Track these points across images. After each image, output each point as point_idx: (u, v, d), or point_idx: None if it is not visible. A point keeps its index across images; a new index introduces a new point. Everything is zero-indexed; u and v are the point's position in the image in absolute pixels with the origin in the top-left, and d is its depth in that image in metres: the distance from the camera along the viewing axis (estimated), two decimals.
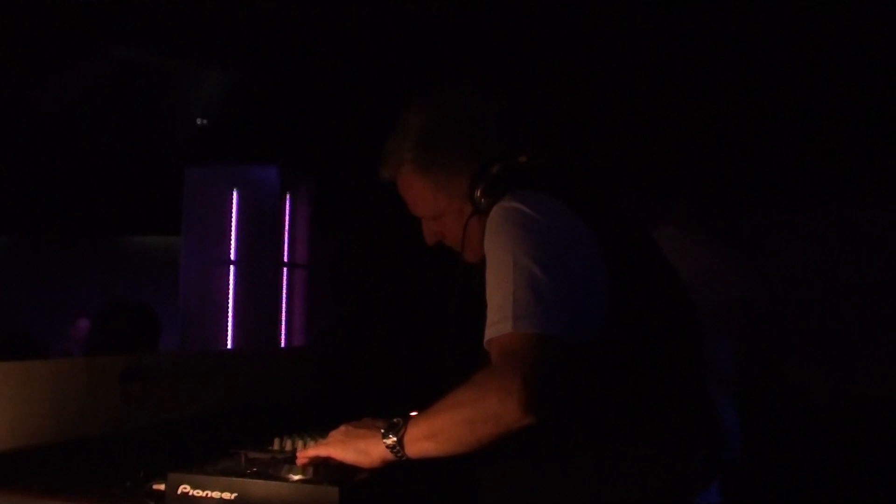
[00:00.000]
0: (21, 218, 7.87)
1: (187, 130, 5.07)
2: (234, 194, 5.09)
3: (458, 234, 1.68)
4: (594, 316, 1.48)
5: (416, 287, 3.51)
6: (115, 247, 8.59)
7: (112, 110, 4.81)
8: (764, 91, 4.48)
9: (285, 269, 5.22)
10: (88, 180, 6.38)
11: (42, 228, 8.39)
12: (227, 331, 5.02)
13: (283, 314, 5.24)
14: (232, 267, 5.05)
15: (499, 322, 1.44)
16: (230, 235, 5.06)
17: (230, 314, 5.04)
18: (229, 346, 4.94)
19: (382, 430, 1.52)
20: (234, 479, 1.51)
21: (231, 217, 5.07)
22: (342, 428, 1.64)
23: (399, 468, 1.54)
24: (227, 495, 1.49)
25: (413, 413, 1.57)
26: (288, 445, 1.84)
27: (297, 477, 1.52)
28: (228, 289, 5.04)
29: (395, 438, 1.50)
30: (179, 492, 1.52)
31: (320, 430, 1.85)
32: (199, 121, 4.95)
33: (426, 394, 1.53)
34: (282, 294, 5.22)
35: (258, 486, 1.49)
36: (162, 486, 1.56)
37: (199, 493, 1.51)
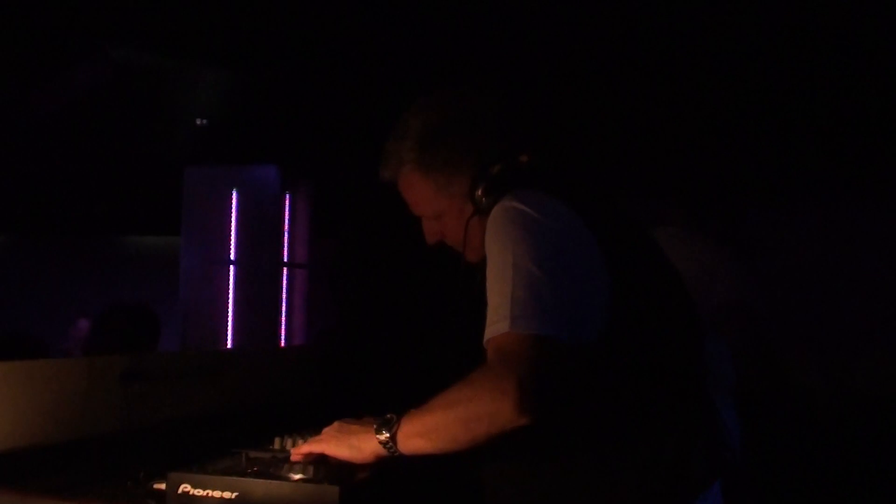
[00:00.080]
0: (21, 218, 7.88)
1: (187, 131, 5.07)
2: (234, 194, 5.09)
3: (459, 233, 1.68)
4: (594, 316, 1.47)
5: (417, 287, 3.51)
6: (114, 247, 8.60)
7: (112, 111, 4.81)
8: (764, 91, 4.48)
9: (285, 269, 5.22)
10: (88, 181, 6.39)
11: (42, 228, 8.40)
12: (227, 331, 5.03)
13: (283, 314, 5.24)
14: (232, 267, 5.06)
15: (497, 322, 1.44)
16: (230, 235, 5.07)
17: (230, 314, 5.04)
18: (229, 346, 4.94)
19: (375, 426, 1.52)
20: (235, 478, 1.51)
21: (231, 217, 5.08)
22: (335, 424, 1.64)
23: (399, 468, 1.53)
24: (227, 495, 1.49)
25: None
26: (288, 445, 1.84)
27: (297, 476, 1.52)
28: (228, 289, 5.04)
29: (388, 434, 1.50)
30: (180, 491, 1.52)
31: (320, 429, 1.85)
32: (198, 121, 4.95)
33: (426, 394, 1.52)
34: (282, 294, 5.23)
35: (259, 486, 1.49)
36: (163, 486, 1.56)
37: (199, 492, 1.51)
